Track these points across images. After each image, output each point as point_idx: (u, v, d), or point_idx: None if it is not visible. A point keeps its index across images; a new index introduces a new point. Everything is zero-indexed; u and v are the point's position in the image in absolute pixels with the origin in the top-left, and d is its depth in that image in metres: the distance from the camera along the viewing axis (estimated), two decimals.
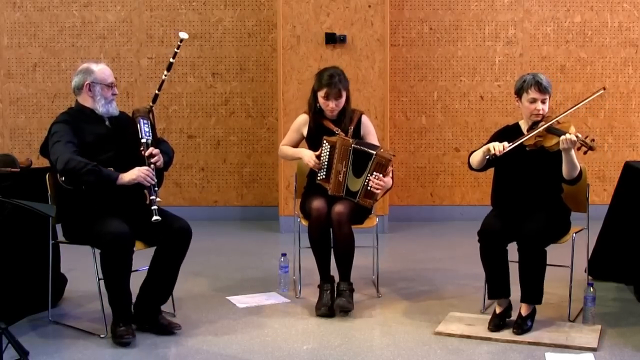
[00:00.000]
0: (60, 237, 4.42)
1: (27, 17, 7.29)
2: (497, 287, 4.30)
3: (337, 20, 6.67)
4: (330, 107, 4.70)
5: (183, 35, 4.42)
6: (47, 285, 4.45)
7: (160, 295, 4.29)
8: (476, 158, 4.37)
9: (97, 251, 4.11)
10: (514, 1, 7.27)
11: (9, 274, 4.29)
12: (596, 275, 5.02)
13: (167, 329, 4.24)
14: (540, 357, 3.92)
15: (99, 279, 4.15)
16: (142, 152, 4.18)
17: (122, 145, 4.25)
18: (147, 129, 4.23)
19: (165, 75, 4.40)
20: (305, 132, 4.86)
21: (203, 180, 7.48)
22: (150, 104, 4.40)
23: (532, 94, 4.27)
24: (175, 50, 4.40)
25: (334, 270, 4.66)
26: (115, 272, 4.04)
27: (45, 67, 7.34)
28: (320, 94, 4.70)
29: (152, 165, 4.17)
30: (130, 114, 4.37)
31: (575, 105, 4.45)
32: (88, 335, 4.23)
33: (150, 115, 4.33)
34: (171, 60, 4.40)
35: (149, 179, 4.11)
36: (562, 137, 4.10)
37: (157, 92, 4.42)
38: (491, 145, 4.23)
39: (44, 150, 4.22)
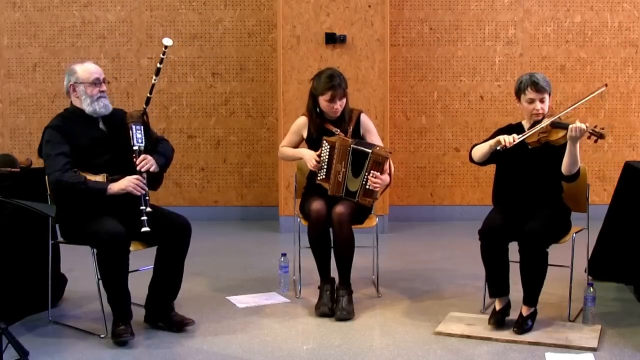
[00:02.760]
0: (60, 237, 4.42)
1: (27, 17, 7.29)
2: (497, 285, 4.30)
3: (337, 20, 6.67)
4: (336, 108, 4.69)
5: (167, 41, 4.30)
6: (47, 285, 4.45)
7: (168, 293, 4.30)
8: (480, 151, 4.35)
9: (97, 251, 4.11)
10: (514, 1, 7.27)
11: (9, 274, 4.29)
12: (596, 275, 5.02)
13: (181, 325, 4.26)
14: (540, 357, 3.92)
15: (99, 279, 4.15)
16: (134, 160, 4.17)
17: (117, 148, 4.23)
18: (139, 135, 4.19)
19: (155, 80, 4.35)
20: (305, 134, 4.85)
21: (203, 180, 7.48)
22: (144, 106, 4.36)
23: (530, 94, 4.26)
24: (162, 56, 4.30)
25: (334, 271, 4.66)
26: (111, 271, 4.04)
27: (45, 67, 7.34)
28: (325, 98, 4.67)
29: (143, 174, 4.16)
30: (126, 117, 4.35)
31: (577, 102, 4.42)
32: (88, 335, 4.23)
33: (145, 118, 4.30)
34: (158, 65, 4.33)
35: (138, 188, 4.09)
36: (572, 125, 4.06)
37: (148, 95, 4.36)
38: (501, 137, 4.21)
39: (41, 152, 4.23)
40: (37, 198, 4.12)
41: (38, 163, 5.16)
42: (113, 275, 4.05)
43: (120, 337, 4.05)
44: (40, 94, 7.36)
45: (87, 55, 7.24)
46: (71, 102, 4.30)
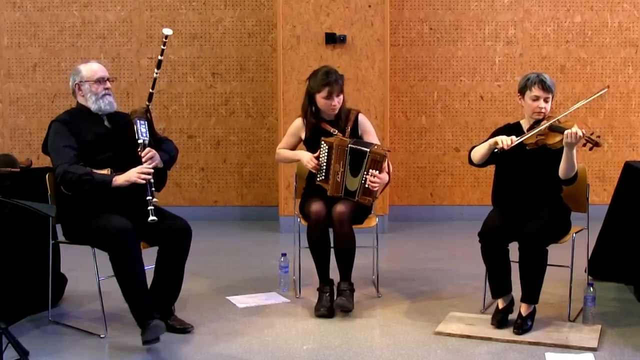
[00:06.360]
0: (61, 237, 4.42)
1: (27, 17, 7.29)
2: (499, 285, 4.31)
3: (337, 20, 6.67)
4: (333, 104, 4.67)
5: (167, 31, 4.33)
6: (47, 285, 4.45)
7: (168, 296, 4.29)
8: (479, 152, 4.36)
9: (97, 251, 4.11)
10: (514, 1, 7.27)
11: (9, 274, 4.29)
12: (596, 275, 5.02)
13: (179, 331, 4.25)
14: (540, 357, 3.92)
15: (99, 279, 4.15)
16: (139, 153, 4.17)
17: (121, 145, 4.25)
18: (143, 130, 4.21)
19: (156, 74, 4.35)
20: (303, 135, 4.83)
21: (203, 180, 7.48)
22: (147, 102, 4.39)
23: (535, 91, 4.28)
24: (162, 47, 4.32)
25: (333, 273, 4.66)
26: (127, 266, 3.96)
27: (45, 67, 7.34)
28: (322, 95, 4.67)
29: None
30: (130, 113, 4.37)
31: (577, 104, 4.45)
32: (88, 335, 4.23)
33: (148, 115, 4.32)
34: (159, 57, 4.34)
35: (143, 176, 4.08)
36: (567, 131, 4.08)
37: (151, 90, 4.38)
38: (499, 138, 4.22)
39: (46, 148, 4.24)
40: (37, 198, 4.12)
41: (38, 163, 5.18)
42: (129, 270, 3.97)
43: (158, 333, 3.94)
44: (40, 94, 7.36)
45: (87, 55, 7.24)
46: (77, 102, 4.34)
